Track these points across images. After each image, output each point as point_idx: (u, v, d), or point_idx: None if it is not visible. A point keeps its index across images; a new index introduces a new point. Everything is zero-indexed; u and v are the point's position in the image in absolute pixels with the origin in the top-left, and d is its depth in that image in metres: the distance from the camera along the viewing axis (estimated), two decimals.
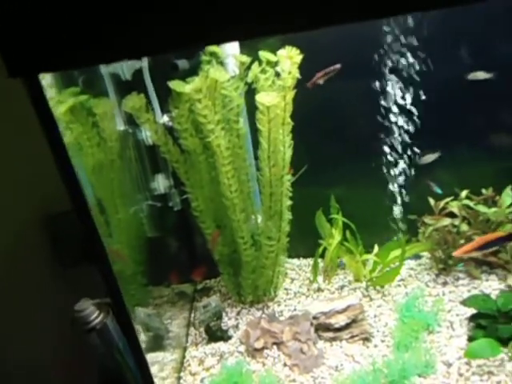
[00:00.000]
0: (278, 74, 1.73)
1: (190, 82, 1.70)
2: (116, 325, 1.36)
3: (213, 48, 1.79)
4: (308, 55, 1.69)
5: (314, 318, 1.87)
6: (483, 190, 2.09)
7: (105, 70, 1.74)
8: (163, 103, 1.86)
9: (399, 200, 2.21)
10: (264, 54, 1.76)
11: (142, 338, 1.85)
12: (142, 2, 0.80)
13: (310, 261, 2.29)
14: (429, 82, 1.94)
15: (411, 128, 2.05)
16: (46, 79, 1.63)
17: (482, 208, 2.00)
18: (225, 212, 1.94)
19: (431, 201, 2.14)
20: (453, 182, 2.14)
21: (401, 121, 2.05)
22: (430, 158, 2.00)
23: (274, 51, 1.74)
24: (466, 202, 2.06)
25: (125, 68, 1.76)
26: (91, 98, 1.68)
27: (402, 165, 2.13)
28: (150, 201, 2.04)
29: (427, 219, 2.11)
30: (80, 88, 1.67)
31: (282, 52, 1.68)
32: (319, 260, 2.24)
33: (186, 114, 1.78)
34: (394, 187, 2.19)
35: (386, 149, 2.12)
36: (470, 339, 1.72)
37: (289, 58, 1.65)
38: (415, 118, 2.03)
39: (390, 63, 1.95)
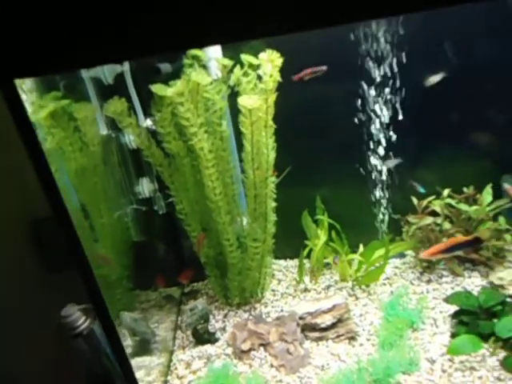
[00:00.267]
0: (260, 77, 1.75)
1: (172, 85, 1.70)
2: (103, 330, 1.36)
3: (195, 51, 1.79)
4: (293, 58, 1.71)
5: (301, 318, 1.89)
6: (464, 189, 2.13)
7: (86, 74, 1.73)
8: (146, 107, 1.86)
9: (383, 200, 2.24)
10: (246, 57, 1.78)
11: (129, 342, 1.84)
12: (120, 7, 0.80)
13: (297, 262, 2.30)
14: (410, 82, 1.98)
15: (394, 129, 2.08)
16: (27, 84, 1.63)
17: (463, 206, 2.04)
18: (210, 215, 1.94)
19: (414, 200, 2.17)
20: (435, 181, 2.18)
21: (383, 122, 2.08)
22: (393, 162, 2.04)
23: (257, 54, 1.75)
24: (448, 200, 2.09)
25: (106, 72, 1.75)
26: (73, 102, 1.67)
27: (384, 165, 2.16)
28: (134, 205, 2.04)
29: (411, 218, 2.14)
30: (62, 93, 1.67)
31: (263, 55, 1.69)
32: (306, 261, 2.26)
33: (168, 118, 1.78)
34: (378, 187, 2.22)
35: (370, 150, 2.14)
36: (453, 336, 1.75)
37: (270, 61, 1.67)
38: (397, 119, 2.06)
39: (371, 66, 1.98)
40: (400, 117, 2.04)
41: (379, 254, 2.11)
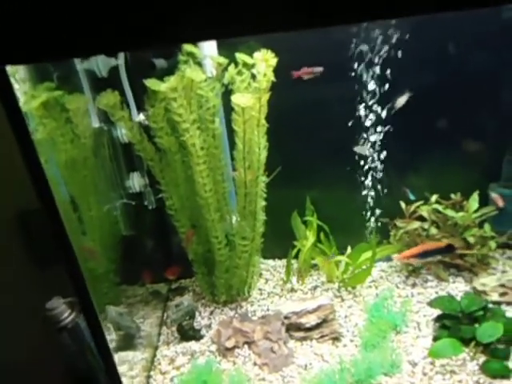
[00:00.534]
0: (254, 76, 1.76)
1: (166, 81, 1.71)
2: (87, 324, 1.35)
3: (190, 48, 1.80)
4: (287, 58, 1.72)
5: (286, 317, 1.90)
6: (452, 195, 2.16)
7: (80, 66, 1.73)
8: (140, 101, 1.86)
9: (372, 203, 2.26)
10: (241, 56, 1.78)
11: (113, 336, 1.84)
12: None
13: (286, 262, 2.31)
14: (402, 88, 2.00)
15: (384, 132, 2.10)
16: (20, 74, 1.62)
17: (450, 212, 2.07)
18: (199, 211, 1.95)
19: (403, 204, 2.20)
20: (424, 186, 2.21)
21: (375, 126, 2.10)
22: (363, 149, 2.07)
23: (253, 54, 1.76)
24: (436, 206, 2.12)
25: (101, 65, 1.75)
26: (66, 94, 1.67)
27: (375, 169, 2.18)
28: (124, 199, 2.03)
29: (398, 222, 2.17)
30: (55, 84, 1.66)
31: (257, 55, 1.70)
32: (294, 261, 2.27)
33: (161, 113, 1.79)
34: (367, 191, 2.24)
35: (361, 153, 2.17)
36: (435, 339, 1.77)
37: (264, 61, 1.68)
38: (389, 122, 2.08)
39: (365, 70, 2.00)
40: (391, 122, 2.07)
41: (366, 256, 2.13)
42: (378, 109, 2.06)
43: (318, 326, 1.87)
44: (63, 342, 1.41)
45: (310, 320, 1.87)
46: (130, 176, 1.99)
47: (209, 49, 1.90)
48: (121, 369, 1.45)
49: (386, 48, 1.93)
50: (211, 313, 2.14)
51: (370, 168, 2.19)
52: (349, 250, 2.29)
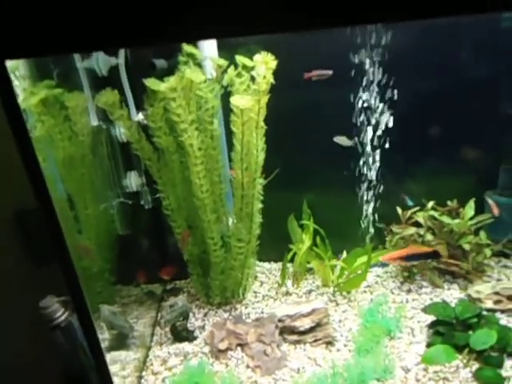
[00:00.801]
0: (253, 79, 1.76)
1: (166, 81, 1.71)
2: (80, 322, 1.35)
3: (191, 49, 1.81)
4: (288, 61, 1.73)
5: (280, 320, 1.89)
6: (448, 202, 2.17)
7: (80, 64, 1.73)
8: (139, 101, 1.86)
9: (369, 208, 2.26)
10: (240, 59, 1.79)
11: (106, 336, 1.83)
12: None
13: (281, 265, 2.30)
14: (401, 94, 2.01)
15: (383, 138, 2.11)
16: (20, 70, 1.62)
17: (446, 219, 2.07)
18: (196, 212, 1.95)
19: (399, 210, 2.20)
20: (421, 193, 2.21)
21: (373, 131, 2.11)
22: (343, 140, 2.07)
23: (253, 57, 1.77)
24: (432, 212, 2.12)
25: (101, 64, 1.75)
26: (66, 91, 1.67)
27: (372, 174, 2.19)
28: (121, 198, 2.03)
29: (394, 228, 2.17)
30: (55, 81, 1.67)
31: (257, 57, 1.71)
32: (289, 264, 2.27)
33: (160, 113, 1.79)
34: (364, 196, 2.24)
35: (358, 158, 2.17)
36: (429, 345, 1.76)
37: (264, 64, 1.68)
38: (387, 129, 2.09)
39: (364, 74, 2.01)
40: (389, 129, 2.08)
41: (361, 261, 2.13)
42: (376, 113, 2.07)
43: (311, 329, 1.87)
44: (56, 340, 1.40)
45: (304, 323, 1.86)
46: (128, 175, 1.99)
47: (209, 50, 1.90)
48: (113, 368, 1.44)
49: (384, 52, 1.94)
50: (205, 314, 2.13)
51: (367, 173, 2.19)
52: (344, 254, 2.29)
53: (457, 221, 2.06)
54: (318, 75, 1.92)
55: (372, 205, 2.25)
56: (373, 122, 2.09)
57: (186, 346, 1.93)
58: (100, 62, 1.73)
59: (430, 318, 1.89)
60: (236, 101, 1.71)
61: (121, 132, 1.88)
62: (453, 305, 1.90)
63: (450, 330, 1.75)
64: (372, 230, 2.30)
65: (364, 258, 2.12)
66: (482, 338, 1.65)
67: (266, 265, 2.49)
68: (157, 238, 2.27)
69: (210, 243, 1.99)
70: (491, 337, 1.63)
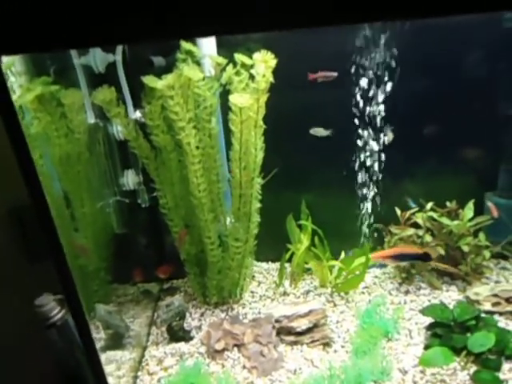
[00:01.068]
0: (252, 77, 1.74)
1: (164, 79, 1.69)
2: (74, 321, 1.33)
3: (189, 47, 1.79)
4: (286, 60, 1.71)
5: (277, 321, 1.88)
6: (448, 203, 2.15)
7: (77, 61, 1.71)
8: (136, 99, 1.84)
9: (368, 209, 2.25)
10: (239, 57, 1.77)
11: (102, 335, 1.81)
12: None
13: (279, 265, 2.29)
14: (401, 94, 2.00)
15: (382, 137, 2.10)
16: (16, 67, 1.60)
17: (445, 220, 2.06)
18: (193, 211, 1.93)
19: (398, 211, 2.18)
20: (420, 194, 2.20)
21: (372, 130, 2.09)
22: (320, 132, 2.05)
23: (252, 55, 1.75)
24: (431, 213, 2.11)
25: (98, 61, 1.73)
26: (62, 88, 1.65)
27: (371, 174, 2.18)
28: (118, 196, 2.01)
29: (393, 228, 2.15)
30: (52, 78, 1.65)
31: (257, 55, 1.69)
32: (287, 265, 2.26)
33: (158, 111, 1.77)
34: (363, 196, 2.23)
35: (358, 158, 2.16)
36: (426, 347, 1.75)
37: (263, 62, 1.67)
38: (386, 128, 2.08)
39: (363, 74, 2.00)
40: (388, 127, 2.06)
41: (360, 261, 2.12)
42: (375, 115, 2.06)
43: (309, 330, 1.86)
44: (52, 339, 1.39)
45: (301, 324, 1.85)
46: (125, 173, 1.98)
47: (208, 48, 1.88)
48: (108, 368, 1.43)
49: (384, 53, 1.93)
50: (202, 314, 2.12)
51: (366, 174, 2.18)
52: (342, 255, 2.27)
53: (456, 222, 2.05)
54: (323, 77, 1.91)
55: (371, 205, 2.24)
56: (373, 122, 2.07)
57: (182, 346, 1.91)
58: (97, 58, 1.71)
59: (428, 320, 1.88)
60: (235, 99, 1.69)
61: (118, 130, 1.86)
62: (451, 307, 1.89)
63: (447, 332, 1.73)
64: (370, 231, 2.28)
65: (362, 259, 2.10)
66: (480, 341, 1.64)
67: (264, 265, 2.48)
68: (154, 237, 2.26)
69: (207, 242, 1.97)
70: (489, 339, 1.62)
